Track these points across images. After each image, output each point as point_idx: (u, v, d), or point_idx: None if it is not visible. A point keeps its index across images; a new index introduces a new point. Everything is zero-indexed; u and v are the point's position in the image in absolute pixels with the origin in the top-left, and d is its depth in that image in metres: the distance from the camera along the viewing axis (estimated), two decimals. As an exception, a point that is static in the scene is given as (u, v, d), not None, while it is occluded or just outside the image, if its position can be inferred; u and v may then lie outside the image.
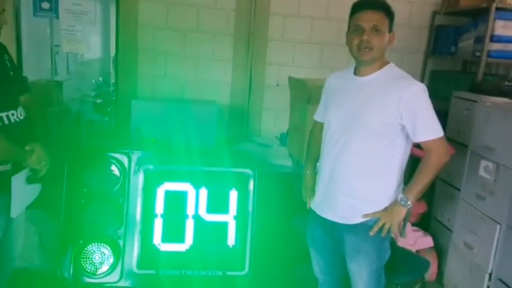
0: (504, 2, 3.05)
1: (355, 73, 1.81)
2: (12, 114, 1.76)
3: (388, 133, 1.71)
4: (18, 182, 1.81)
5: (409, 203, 1.73)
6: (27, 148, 1.78)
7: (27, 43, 4.19)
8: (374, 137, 1.71)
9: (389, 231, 1.77)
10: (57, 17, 3.52)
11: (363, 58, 1.72)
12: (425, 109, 1.69)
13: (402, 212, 1.75)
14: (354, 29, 1.72)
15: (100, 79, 6.24)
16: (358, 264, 1.82)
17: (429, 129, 1.69)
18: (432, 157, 1.72)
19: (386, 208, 1.77)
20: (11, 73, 1.84)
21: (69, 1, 3.45)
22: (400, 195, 1.74)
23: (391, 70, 1.77)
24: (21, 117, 1.82)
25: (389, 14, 1.72)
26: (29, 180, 1.89)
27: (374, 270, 1.82)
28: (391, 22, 1.73)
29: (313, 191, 1.97)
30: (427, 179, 1.74)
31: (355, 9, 1.74)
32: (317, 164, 1.97)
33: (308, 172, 2.04)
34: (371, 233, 1.75)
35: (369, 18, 1.68)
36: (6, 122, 1.73)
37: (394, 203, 1.76)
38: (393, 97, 1.67)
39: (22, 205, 1.94)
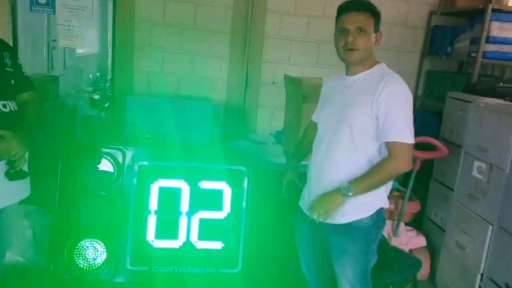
0: (501, 3, 3.06)
1: (346, 73, 1.82)
2: None
3: (369, 131, 1.69)
4: None
5: (349, 193, 1.67)
6: None
7: (24, 38, 4.18)
8: (358, 133, 1.69)
9: (380, 232, 1.77)
10: (54, 12, 3.51)
11: (350, 59, 1.73)
12: (397, 111, 1.64)
13: (339, 200, 1.69)
14: (339, 31, 1.73)
15: (98, 74, 6.24)
16: (343, 265, 1.81)
17: (397, 131, 1.64)
18: (390, 161, 1.66)
19: (325, 193, 1.73)
20: (8, 69, 1.83)
21: (66, -4, 3.44)
22: (345, 184, 1.68)
23: (379, 69, 1.76)
24: (5, 110, 1.76)
25: (375, 14, 1.72)
26: (9, 176, 1.78)
27: (359, 272, 1.81)
28: (377, 22, 1.73)
29: (291, 186, 1.99)
30: (377, 179, 1.68)
31: (340, 11, 1.75)
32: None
33: (290, 166, 2.07)
34: (315, 217, 1.71)
35: (353, 20, 1.69)
36: None
37: (336, 189, 1.70)
38: (372, 95, 1.66)
39: (2, 201, 1.83)
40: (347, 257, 1.81)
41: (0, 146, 1.69)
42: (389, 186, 1.81)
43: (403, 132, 1.64)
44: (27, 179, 1.93)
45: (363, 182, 1.68)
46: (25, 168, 1.87)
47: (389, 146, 1.66)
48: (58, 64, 5.44)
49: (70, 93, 5.20)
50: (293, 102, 2.81)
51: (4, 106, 1.77)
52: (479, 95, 2.74)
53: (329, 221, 1.78)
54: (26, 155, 1.86)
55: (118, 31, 3.45)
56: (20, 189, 1.91)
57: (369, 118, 1.67)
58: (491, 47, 2.99)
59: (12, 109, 1.80)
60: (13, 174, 1.78)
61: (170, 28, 3.46)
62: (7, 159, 1.75)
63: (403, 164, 1.66)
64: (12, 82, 1.85)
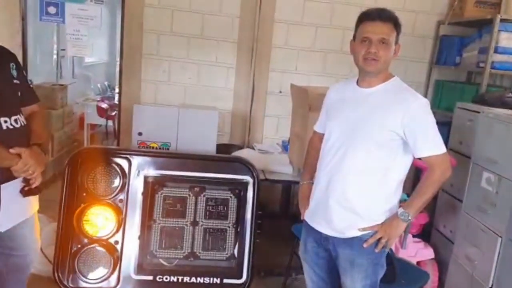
0: (509, 13, 3.06)
1: (358, 84, 1.79)
2: (5, 121, 1.71)
3: (389, 146, 1.68)
4: (9, 192, 1.73)
5: (409, 218, 1.70)
6: (12, 151, 1.68)
7: (33, 47, 4.23)
8: (374, 148, 1.68)
9: (384, 246, 1.74)
10: (63, 21, 3.55)
11: (369, 69, 1.69)
12: (427, 125, 1.67)
13: (402, 226, 1.72)
14: (361, 40, 1.69)
15: (105, 83, 6.30)
16: (353, 278, 1.78)
17: (431, 145, 1.67)
18: (434, 173, 1.69)
19: (384, 222, 1.74)
20: (15, 81, 1.81)
21: (75, 6, 3.48)
22: (401, 210, 1.71)
23: (395, 83, 1.75)
24: (17, 125, 1.75)
25: (397, 26, 1.70)
26: (23, 193, 1.79)
27: (369, 285, 1.77)
28: (398, 34, 1.71)
29: (309, 201, 1.94)
30: (428, 194, 1.71)
31: (364, 19, 1.70)
32: (315, 174, 1.95)
33: (305, 182, 2.01)
34: (365, 245, 1.72)
35: (377, 30, 1.65)
36: None
37: (394, 217, 1.73)
38: (396, 111, 1.65)
39: (15, 218, 1.83)
40: (356, 270, 1.77)
41: (17, 166, 1.69)
42: (398, 197, 1.79)
43: (437, 145, 1.68)
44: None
45: (417, 203, 1.72)
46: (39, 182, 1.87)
47: (427, 160, 1.69)
48: (66, 72, 5.51)
49: (78, 101, 5.25)
50: (299, 111, 2.80)
51: (16, 121, 1.75)
52: (488, 105, 2.71)
53: (339, 235, 1.76)
54: None
55: (126, 40, 3.48)
56: (33, 202, 1.93)
57: (393, 133, 1.66)
58: (499, 57, 2.98)
59: (23, 123, 1.79)
60: (27, 191, 1.80)
61: (178, 37, 3.49)
62: (24, 176, 1.75)
63: (444, 172, 1.70)
64: (19, 93, 1.84)
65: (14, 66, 1.83)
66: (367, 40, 1.67)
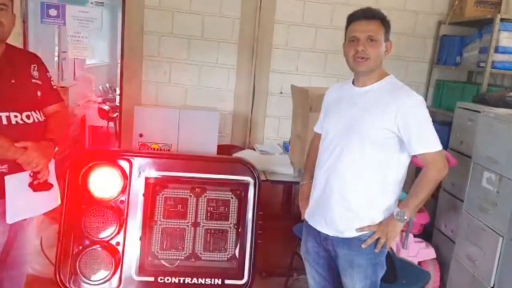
0: (509, 13, 3.06)
1: (353, 83, 1.80)
2: (15, 116, 1.75)
3: (385, 144, 1.68)
4: (15, 184, 1.74)
5: (405, 217, 1.70)
6: (17, 144, 1.70)
7: (34, 49, 4.23)
8: (370, 147, 1.68)
9: (383, 246, 1.74)
10: (64, 23, 3.55)
11: (359, 69, 1.71)
12: (422, 122, 1.67)
13: (399, 227, 1.72)
14: (349, 40, 1.71)
15: (107, 85, 6.30)
16: (352, 279, 1.78)
17: (425, 142, 1.66)
18: (429, 171, 1.69)
19: (381, 222, 1.73)
20: (34, 80, 1.86)
21: (76, 8, 3.49)
22: (397, 210, 1.71)
23: (390, 81, 1.75)
24: (29, 121, 1.79)
25: (385, 23, 1.71)
26: (32, 187, 1.79)
27: (368, 285, 1.77)
28: (387, 31, 1.72)
29: (309, 201, 1.95)
30: (425, 193, 1.70)
31: (350, 20, 1.73)
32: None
33: (305, 182, 2.01)
34: (363, 246, 1.72)
35: (364, 29, 1.68)
36: (5, 122, 1.71)
37: (390, 217, 1.72)
38: (390, 108, 1.66)
39: (24, 212, 1.85)
40: (356, 270, 1.77)
41: (21, 158, 1.71)
42: (396, 196, 1.78)
43: (431, 142, 1.67)
44: (56, 190, 1.96)
45: (413, 202, 1.71)
46: (52, 179, 1.88)
47: (422, 158, 1.68)
48: (68, 74, 5.50)
49: (79, 103, 5.25)
50: (300, 112, 2.81)
51: (28, 117, 1.79)
52: (489, 105, 2.71)
53: (338, 234, 1.76)
54: (52, 167, 1.89)
55: (127, 42, 3.48)
56: (47, 200, 1.93)
57: (388, 131, 1.66)
58: (500, 57, 2.98)
59: (36, 120, 1.83)
60: (36, 186, 1.80)
61: (178, 39, 3.50)
62: (29, 170, 1.76)
63: (440, 170, 1.69)
64: (39, 94, 1.88)
65: (36, 68, 1.90)
66: (355, 40, 1.69)
